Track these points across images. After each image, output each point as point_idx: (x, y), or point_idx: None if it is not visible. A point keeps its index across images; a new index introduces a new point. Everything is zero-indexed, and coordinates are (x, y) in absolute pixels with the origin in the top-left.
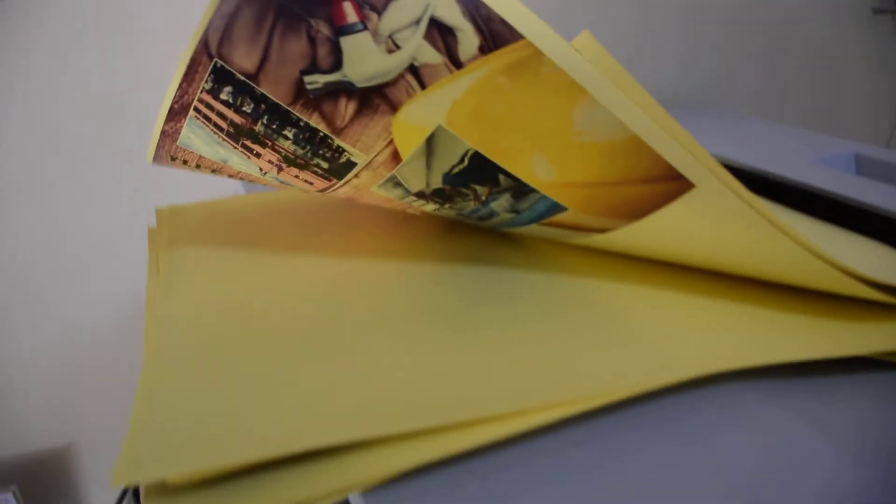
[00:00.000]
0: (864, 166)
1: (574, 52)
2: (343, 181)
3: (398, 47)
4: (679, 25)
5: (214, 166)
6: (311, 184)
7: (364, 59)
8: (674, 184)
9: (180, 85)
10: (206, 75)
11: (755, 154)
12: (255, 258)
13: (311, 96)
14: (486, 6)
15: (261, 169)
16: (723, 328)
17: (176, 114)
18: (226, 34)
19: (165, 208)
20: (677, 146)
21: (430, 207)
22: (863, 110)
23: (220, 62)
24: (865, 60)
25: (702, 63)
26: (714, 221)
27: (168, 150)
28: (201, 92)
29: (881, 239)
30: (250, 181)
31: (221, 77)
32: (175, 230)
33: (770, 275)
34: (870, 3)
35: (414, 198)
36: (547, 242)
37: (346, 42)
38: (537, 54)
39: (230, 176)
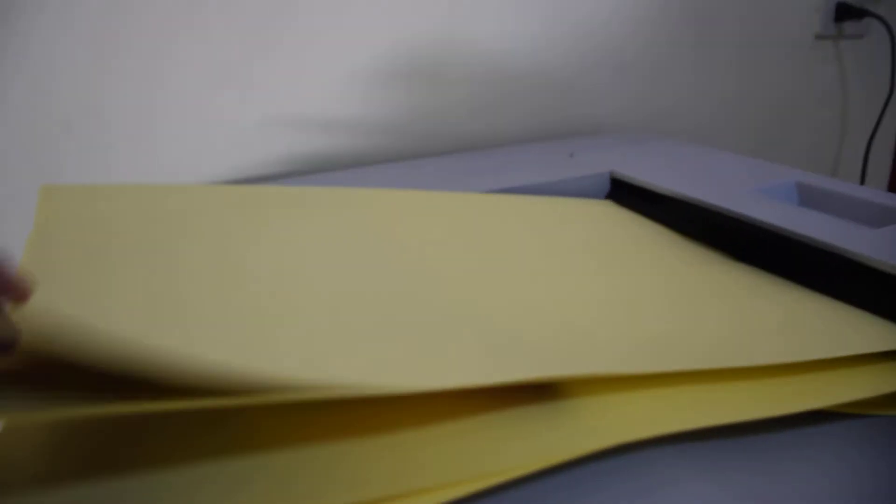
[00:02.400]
0: (806, 195)
1: None
2: None
3: None
4: (624, 56)
5: None
6: None
7: None
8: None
9: None
10: None
11: (696, 184)
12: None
13: None
14: None
15: None
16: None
17: None
18: None
19: (49, 186)
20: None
21: None
22: (806, 136)
23: None
24: (808, 87)
25: (641, 90)
26: None
27: None
28: None
29: (821, 274)
30: None
31: None
32: (49, 209)
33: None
34: (812, 29)
35: None
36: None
37: None
38: None
39: None
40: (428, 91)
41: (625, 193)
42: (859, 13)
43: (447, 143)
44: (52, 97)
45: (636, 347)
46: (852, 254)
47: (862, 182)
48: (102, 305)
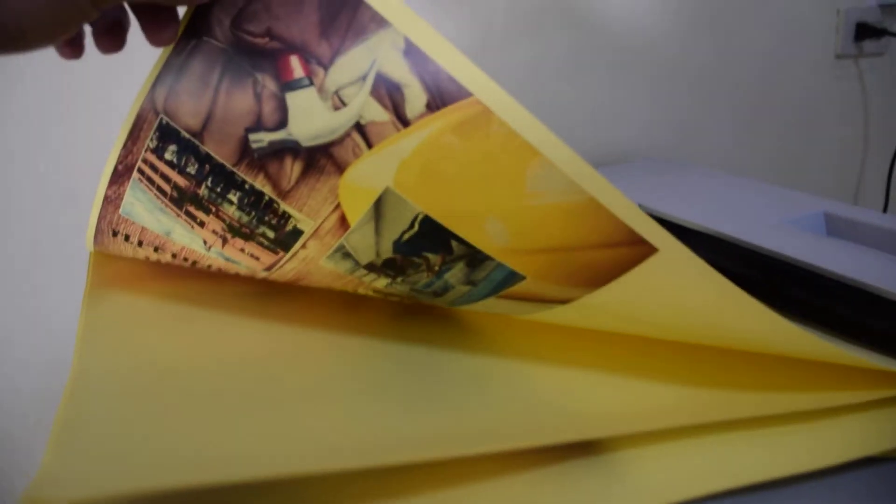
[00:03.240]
0: (834, 225)
1: (525, 111)
2: (290, 253)
3: (344, 104)
4: (647, 79)
5: (157, 241)
6: (257, 259)
7: (310, 117)
8: (635, 248)
9: (125, 143)
10: (152, 133)
11: (724, 217)
12: (184, 314)
13: (255, 156)
14: (433, 62)
15: (205, 242)
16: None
17: (120, 175)
18: (172, 89)
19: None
20: (637, 209)
21: (382, 283)
22: (828, 156)
23: (165, 119)
24: (829, 106)
25: (667, 116)
26: (679, 288)
27: (110, 221)
28: (146, 151)
29: (857, 307)
30: (194, 264)
31: (167, 135)
32: (101, 275)
33: (740, 343)
34: (833, 49)
35: (364, 271)
36: (503, 324)
37: (292, 98)
38: (486, 112)
39: (173, 256)
40: None
41: None
42: (879, 32)
43: None
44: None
45: (677, 399)
46: (884, 291)
47: (886, 202)
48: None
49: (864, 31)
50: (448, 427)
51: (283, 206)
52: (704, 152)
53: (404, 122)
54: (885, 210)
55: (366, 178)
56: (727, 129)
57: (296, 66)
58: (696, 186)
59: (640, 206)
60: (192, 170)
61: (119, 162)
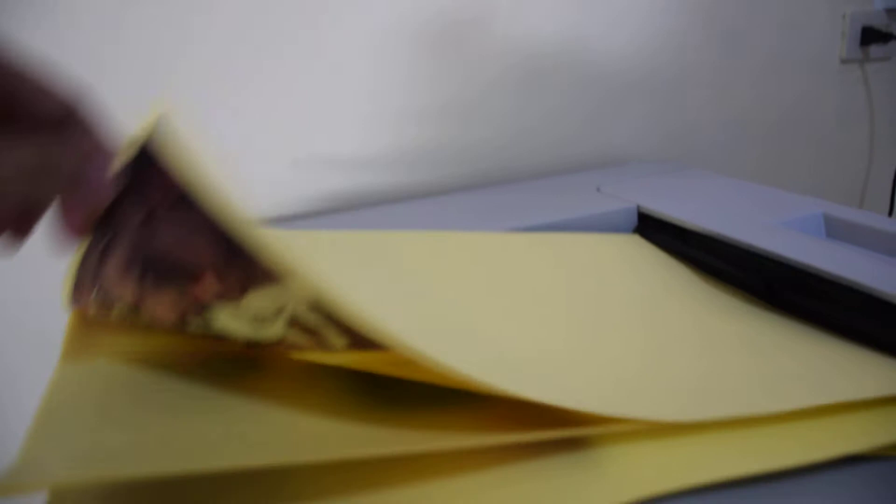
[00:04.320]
0: (833, 227)
1: (447, 356)
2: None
3: (265, 324)
4: (643, 81)
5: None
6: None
7: (232, 329)
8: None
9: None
10: (94, 292)
11: (722, 218)
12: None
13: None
14: (343, 314)
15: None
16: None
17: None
18: (98, 285)
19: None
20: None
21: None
22: (833, 160)
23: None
24: (834, 111)
25: (663, 115)
26: None
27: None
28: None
29: (855, 309)
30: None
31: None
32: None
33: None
34: (838, 53)
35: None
36: None
37: (213, 312)
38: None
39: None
40: (454, 127)
41: (651, 228)
42: (885, 37)
43: (473, 178)
44: None
45: (664, 396)
46: (882, 293)
47: (891, 206)
48: None
49: (869, 36)
50: (430, 417)
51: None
52: (705, 155)
53: (329, 347)
54: (889, 214)
55: None
56: (730, 132)
57: (209, 290)
58: (694, 188)
59: (640, 206)
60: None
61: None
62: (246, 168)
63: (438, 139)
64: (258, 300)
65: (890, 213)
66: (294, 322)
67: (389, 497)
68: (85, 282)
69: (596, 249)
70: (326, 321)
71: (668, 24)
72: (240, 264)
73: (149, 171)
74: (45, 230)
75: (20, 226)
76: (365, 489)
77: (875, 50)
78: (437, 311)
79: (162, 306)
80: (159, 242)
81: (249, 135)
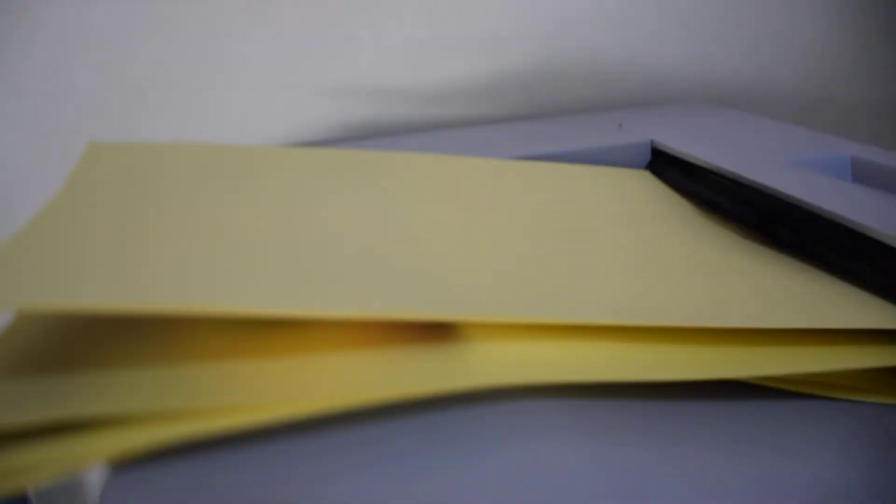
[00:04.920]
0: (861, 170)
1: None
2: None
3: None
4: (682, 18)
5: None
6: None
7: None
8: None
9: None
10: None
11: (735, 155)
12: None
13: None
14: None
15: None
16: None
17: None
18: None
19: (94, 143)
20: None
21: None
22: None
23: None
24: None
25: (707, 59)
26: None
27: None
28: None
29: (867, 256)
30: None
31: None
32: (87, 164)
33: None
34: None
35: None
36: None
37: None
38: None
39: None
40: (482, 61)
41: (662, 164)
42: None
43: (501, 112)
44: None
45: (583, 299)
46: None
47: None
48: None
49: None
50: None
51: None
52: (755, 101)
53: None
54: None
55: None
56: (751, 69)
57: None
58: (719, 126)
59: (654, 142)
60: None
61: None
62: (271, 94)
63: (464, 73)
64: None
65: None
66: None
67: (263, 365)
68: None
69: (592, 181)
70: None
71: None
72: None
73: None
74: None
75: None
76: (242, 356)
77: None
78: (388, 219)
79: None
80: None
81: (275, 60)
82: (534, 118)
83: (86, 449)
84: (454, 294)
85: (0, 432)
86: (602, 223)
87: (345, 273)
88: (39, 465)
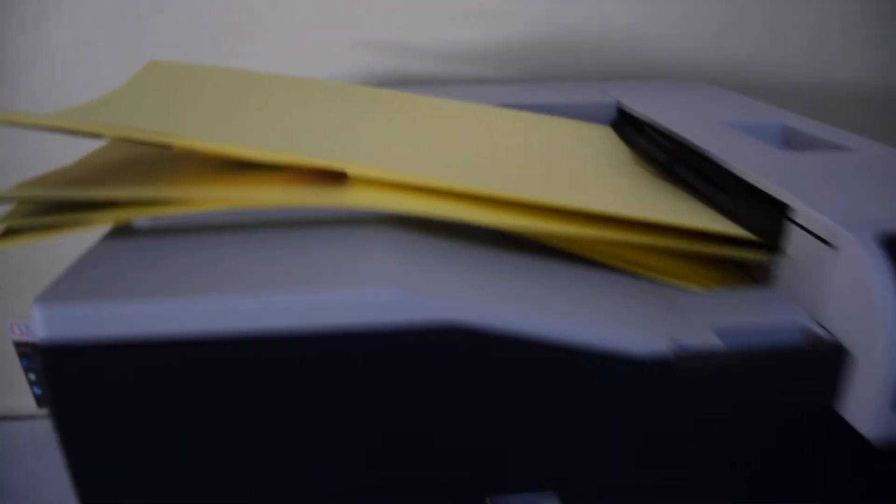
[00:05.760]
0: (791, 138)
1: None
2: None
3: None
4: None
5: None
6: None
7: None
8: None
9: None
10: None
11: (680, 117)
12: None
13: None
14: None
15: None
16: None
17: None
18: None
19: (155, 61)
20: None
21: None
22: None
23: None
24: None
25: (711, 40)
26: None
27: None
28: None
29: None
30: None
31: None
32: (143, 75)
33: None
34: None
35: None
36: None
37: None
38: None
39: None
40: (494, 30)
41: (621, 122)
42: None
43: (508, 75)
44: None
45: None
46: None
47: None
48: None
49: None
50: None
51: None
52: (760, 87)
53: None
54: None
55: None
56: (785, 70)
57: None
58: (686, 97)
59: (620, 103)
60: None
61: None
62: (302, 47)
63: (480, 38)
64: None
65: None
66: None
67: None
68: None
69: (558, 126)
70: None
71: None
72: None
73: None
74: None
75: None
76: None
77: None
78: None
79: None
80: None
81: (306, 14)
82: (533, 81)
83: (104, 215)
84: (367, 151)
85: (62, 200)
86: (544, 150)
87: (301, 137)
88: (78, 221)
